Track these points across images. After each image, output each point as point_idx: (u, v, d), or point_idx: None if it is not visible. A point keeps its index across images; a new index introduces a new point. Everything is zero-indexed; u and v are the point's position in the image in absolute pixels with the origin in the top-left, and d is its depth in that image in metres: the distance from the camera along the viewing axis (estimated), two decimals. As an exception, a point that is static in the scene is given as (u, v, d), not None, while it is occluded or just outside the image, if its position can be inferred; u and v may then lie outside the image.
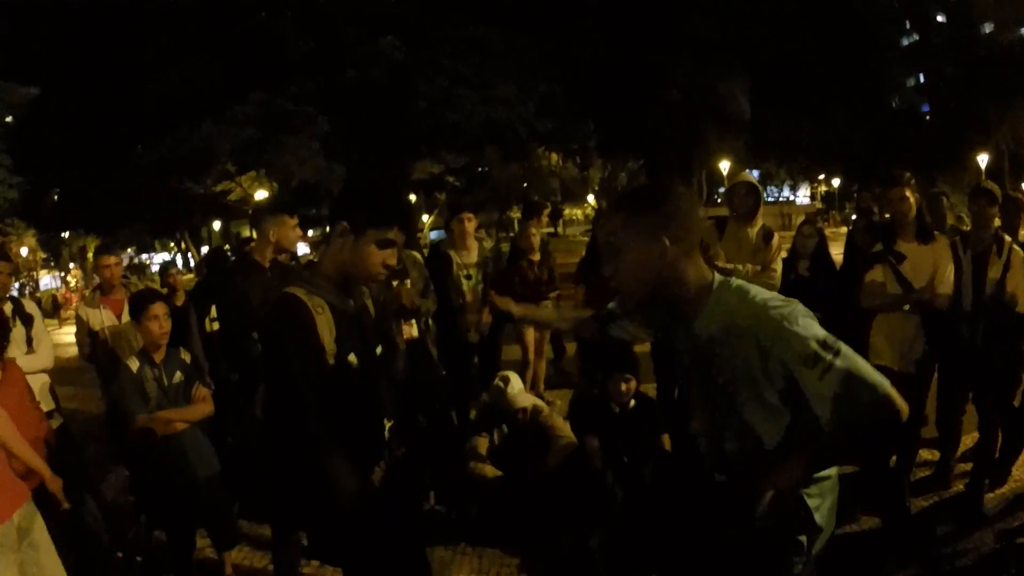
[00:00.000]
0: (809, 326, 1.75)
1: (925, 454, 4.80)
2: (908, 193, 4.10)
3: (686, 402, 2.13)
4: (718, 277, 1.90)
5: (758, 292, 1.85)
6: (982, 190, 4.20)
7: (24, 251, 47.22)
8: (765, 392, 1.82)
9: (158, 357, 3.72)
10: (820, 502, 1.95)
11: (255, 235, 4.24)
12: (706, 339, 1.88)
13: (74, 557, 3.86)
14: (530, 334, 6.28)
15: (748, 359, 1.80)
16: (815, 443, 1.81)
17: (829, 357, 1.71)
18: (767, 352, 1.76)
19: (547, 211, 7.86)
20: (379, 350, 2.36)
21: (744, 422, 1.90)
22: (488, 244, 5.87)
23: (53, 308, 26.16)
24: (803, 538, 1.94)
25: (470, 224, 5.61)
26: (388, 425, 2.32)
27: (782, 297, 1.85)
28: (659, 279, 1.86)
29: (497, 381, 4.55)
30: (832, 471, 1.97)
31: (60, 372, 5.21)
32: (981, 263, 4.06)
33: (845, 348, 1.74)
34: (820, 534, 1.97)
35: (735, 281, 1.90)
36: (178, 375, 3.74)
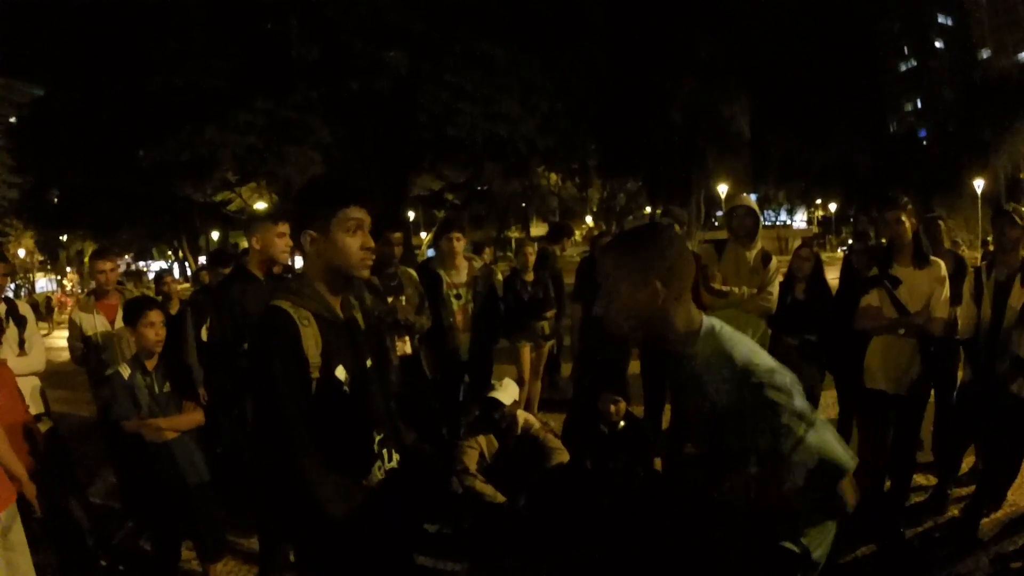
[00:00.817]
0: (785, 397, 1.75)
1: (920, 479, 4.76)
2: (904, 216, 4.08)
3: (680, 425, 2.13)
4: (706, 322, 1.89)
5: (742, 352, 1.82)
6: (1002, 211, 4.06)
7: (21, 252, 47.25)
8: (744, 433, 1.82)
9: (150, 364, 3.70)
10: (821, 540, 1.94)
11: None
12: (694, 375, 1.88)
13: (59, 559, 3.85)
14: (526, 354, 6.25)
15: (732, 401, 1.80)
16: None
17: (802, 431, 1.73)
18: (746, 411, 1.77)
19: (569, 238, 7.80)
20: (369, 363, 2.32)
21: (729, 449, 1.90)
22: (478, 264, 5.84)
23: (47, 311, 26.12)
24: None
25: (459, 243, 5.58)
26: (378, 438, 2.29)
27: (765, 360, 1.83)
28: (648, 321, 1.87)
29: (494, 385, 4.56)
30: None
31: (52, 375, 5.19)
32: (1003, 291, 3.95)
33: (820, 424, 1.76)
34: (816, 569, 1.96)
35: (721, 330, 1.88)
36: (168, 384, 3.72)
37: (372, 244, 2.17)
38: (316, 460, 2.03)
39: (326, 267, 2.14)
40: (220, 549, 3.98)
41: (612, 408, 4.46)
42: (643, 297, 1.83)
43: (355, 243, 2.12)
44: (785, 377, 1.79)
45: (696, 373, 1.86)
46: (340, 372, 2.12)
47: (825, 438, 1.75)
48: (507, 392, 4.47)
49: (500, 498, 4.24)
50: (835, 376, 5.19)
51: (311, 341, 2.05)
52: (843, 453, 1.76)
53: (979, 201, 33.56)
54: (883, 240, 4.80)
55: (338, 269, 2.14)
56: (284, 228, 3.71)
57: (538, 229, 44.06)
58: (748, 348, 1.85)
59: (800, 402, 1.76)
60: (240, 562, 4.25)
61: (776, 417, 1.73)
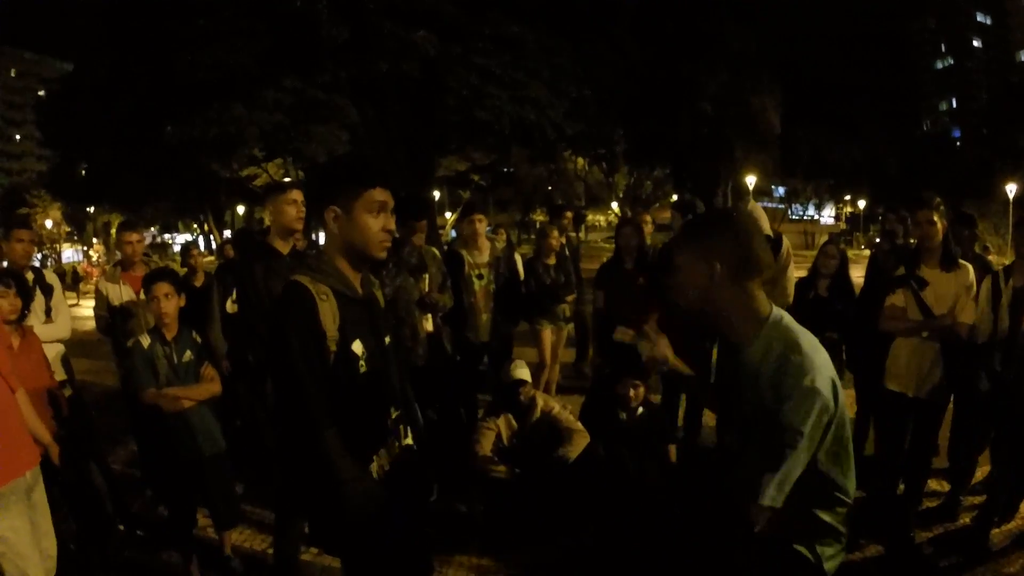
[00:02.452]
0: (810, 411, 1.76)
1: (933, 484, 4.72)
2: (936, 217, 4.01)
3: (724, 416, 2.14)
4: (776, 312, 1.93)
5: (804, 343, 1.84)
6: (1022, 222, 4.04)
7: (49, 223, 47.99)
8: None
9: (169, 335, 3.75)
10: (834, 552, 1.95)
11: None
12: (748, 370, 1.90)
13: (78, 524, 3.93)
14: (547, 337, 6.28)
15: (772, 401, 1.81)
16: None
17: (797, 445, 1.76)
18: (777, 402, 1.79)
19: (569, 215, 7.84)
20: (388, 340, 2.35)
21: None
22: (500, 244, 5.89)
23: (74, 281, 26.51)
24: None
25: (480, 225, 5.66)
26: (395, 414, 2.31)
27: (823, 359, 1.84)
28: (707, 301, 1.92)
29: (508, 365, 4.58)
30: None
31: (77, 344, 5.28)
32: (1021, 298, 3.88)
33: (800, 450, 1.76)
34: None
35: (787, 321, 1.91)
36: (188, 354, 3.77)
37: (393, 226, 2.20)
38: (335, 433, 2.07)
39: (346, 244, 2.18)
40: (235, 518, 4.05)
41: (631, 392, 4.46)
42: (701, 275, 1.89)
43: (377, 224, 2.16)
44: (830, 395, 1.79)
45: (753, 362, 1.89)
46: (357, 346, 2.16)
47: (791, 468, 1.76)
48: (521, 372, 4.49)
49: (509, 473, 4.25)
50: (855, 375, 5.15)
51: (329, 315, 2.09)
52: (784, 487, 1.77)
53: (1010, 207, 32.97)
54: (911, 240, 4.73)
55: (357, 247, 2.18)
56: (295, 195, 3.73)
57: (562, 215, 43.91)
58: (814, 348, 1.86)
59: (811, 421, 1.76)
60: (255, 531, 4.33)
61: (794, 419, 1.75)
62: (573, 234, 8.12)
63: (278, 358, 2.13)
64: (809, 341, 1.86)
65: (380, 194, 2.16)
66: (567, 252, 6.82)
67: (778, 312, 1.93)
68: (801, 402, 1.75)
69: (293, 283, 2.13)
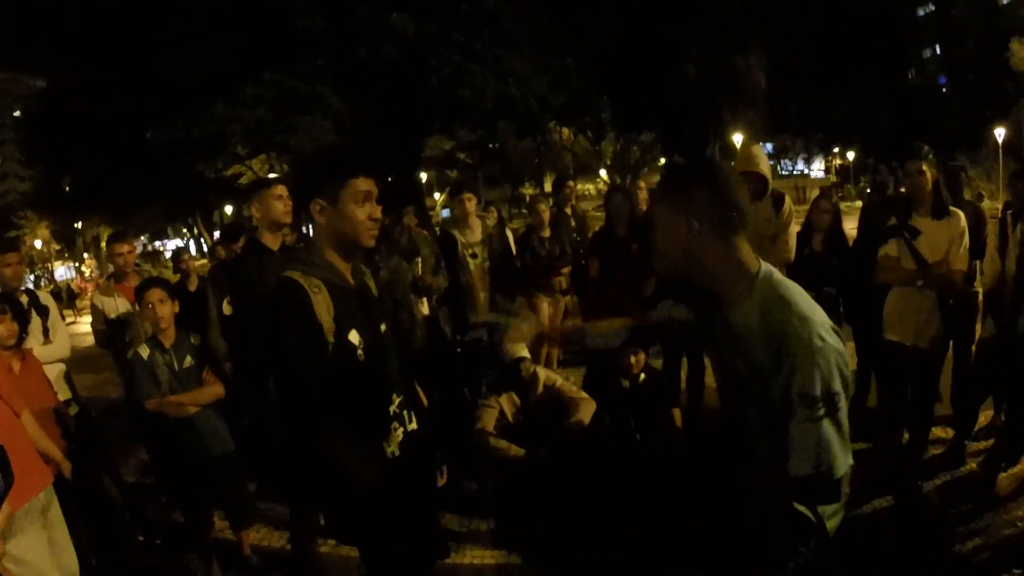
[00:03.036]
0: (830, 368, 1.72)
1: (938, 432, 4.74)
2: (925, 167, 4.00)
3: (722, 384, 2.13)
4: (764, 268, 1.86)
5: (800, 300, 1.80)
6: (1019, 173, 4.09)
7: (38, 243, 47.76)
8: (770, 393, 1.82)
9: (167, 342, 3.76)
10: (835, 510, 1.96)
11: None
12: (741, 331, 1.86)
13: (96, 536, 3.96)
14: (544, 309, 6.27)
15: (766, 359, 1.80)
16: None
17: (821, 412, 1.72)
18: (784, 364, 1.76)
19: (572, 185, 7.76)
20: (383, 328, 2.36)
21: (755, 414, 1.92)
22: (492, 221, 5.89)
23: (69, 298, 26.43)
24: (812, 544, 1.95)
25: (470, 203, 5.66)
26: (397, 400, 2.33)
27: (820, 312, 1.80)
28: (687, 257, 1.85)
29: (504, 344, 4.47)
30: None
31: (79, 360, 5.29)
32: None
33: (843, 412, 1.74)
34: (827, 538, 1.98)
35: (778, 277, 1.86)
36: (188, 359, 3.79)
37: (379, 214, 2.21)
38: (337, 424, 2.10)
39: (335, 235, 2.20)
40: (251, 517, 4.09)
41: (632, 359, 4.47)
42: (679, 231, 1.82)
43: (363, 213, 2.17)
44: (840, 346, 1.78)
45: (746, 322, 1.84)
46: (354, 336, 2.17)
47: (839, 431, 1.74)
48: (518, 349, 4.47)
49: (516, 451, 4.25)
50: (853, 328, 5.17)
51: (323, 307, 2.10)
52: (841, 456, 1.75)
53: (1000, 152, 32.87)
54: (902, 190, 4.72)
55: (346, 238, 2.20)
56: (281, 190, 3.70)
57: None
58: (809, 304, 1.81)
59: (838, 380, 1.74)
60: (271, 528, 4.36)
61: (811, 383, 1.72)
62: (576, 204, 8.08)
63: (277, 354, 2.14)
64: (803, 295, 1.82)
65: (364, 183, 2.16)
66: (573, 223, 6.81)
67: (767, 267, 1.87)
68: (817, 364, 1.71)
69: (284, 279, 2.14)
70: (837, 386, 1.73)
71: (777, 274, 1.88)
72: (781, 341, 1.75)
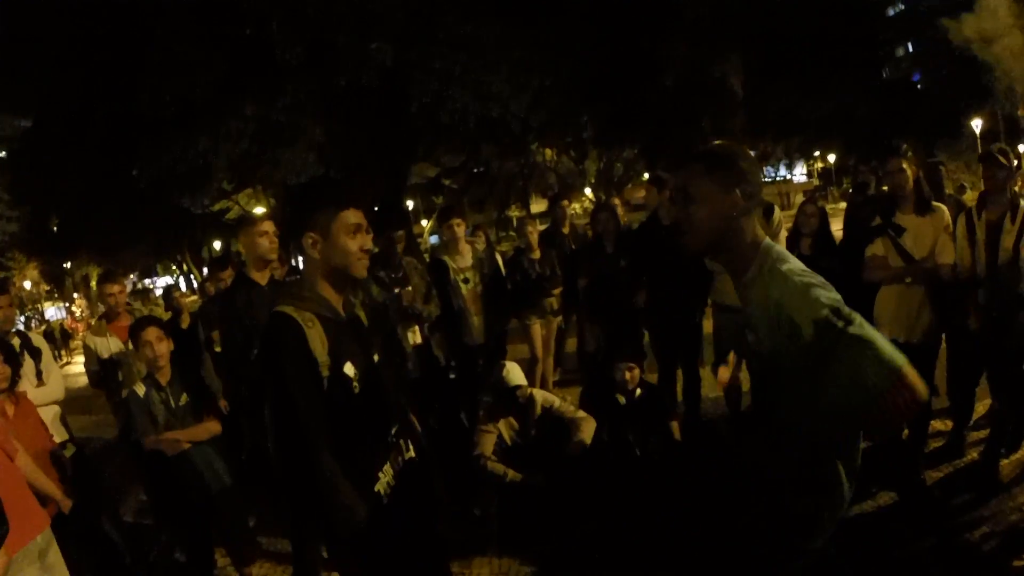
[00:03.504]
0: (829, 292, 1.83)
1: (937, 424, 4.78)
2: (905, 165, 4.06)
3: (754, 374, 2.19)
4: (767, 239, 2.01)
5: (791, 260, 1.94)
6: (988, 154, 4.06)
7: (27, 284, 47.53)
8: (790, 359, 1.87)
9: (163, 380, 3.76)
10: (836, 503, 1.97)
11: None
12: (754, 305, 1.97)
13: (97, 578, 3.92)
14: (537, 331, 6.28)
15: (777, 326, 1.87)
16: (822, 418, 1.85)
17: (841, 324, 1.76)
18: (788, 317, 1.84)
19: (566, 203, 7.77)
20: (376, 357, 2.37)
21: (779, 387, 1.95)
22: (481, 246, 5.90)
23: (63, 338, 26.22)
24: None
25: (459, 229, 5.68)
26: (394, 430, 2.34)
27: (811, 273, 1.92)
28: (724, 230, 1.98)
29: (497, 369, 4.49)
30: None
31: (73, 401, 5.25)
32: (994, 229, 3.94)
33: (860, 320, 1.78)
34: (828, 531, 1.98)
35: (777, 246, 2.00)
36: (184, 396, 3.77)
37: (370, 244, 2.24)
38: (332, 465, 2.09)
39: (327, 268, 2.21)
40: (252, 553, 4.06)
41: (627, 375, 4.48)
42: (726, 205, 1.95)
43: (355, 244, 2.19)
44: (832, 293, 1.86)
45: (752, 285, 1.97)
46: (348, 369, 2.18)
47: (871, 335, 1.77)
48: (515, 377, 4.46)
49: (514, 475, 4.24)
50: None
51: (317, 341, 2.11)
52: (890, 349, 1.76)
53: (978, 142, 33.19)
54: (884, 188, 4.77)
55: (339, 269, 2.21)
56: (267, 227, 3.76)
57: (538, 206, 43.84)
58: (794, 261, 1.95)
59: (838, 300, 1.82)
60: (274, 564, 4.32)
61: (816, 309, 1.79)
62: (575, 222, 8.09)
63: (274, 391, 2.15)
64: (796, 263, 1.95)
65: (354, 215, 2.19)
66: (571, 242, 6.84)
67: (768, 241, 2.01)
68: (812, 299, 1.81)
69: (278, 314, 2.15)
70: (836, 302, 1.81)
71: (777, 248, 2.00)
72: (774, 297, 1.88)
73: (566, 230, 6.97)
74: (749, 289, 1.99)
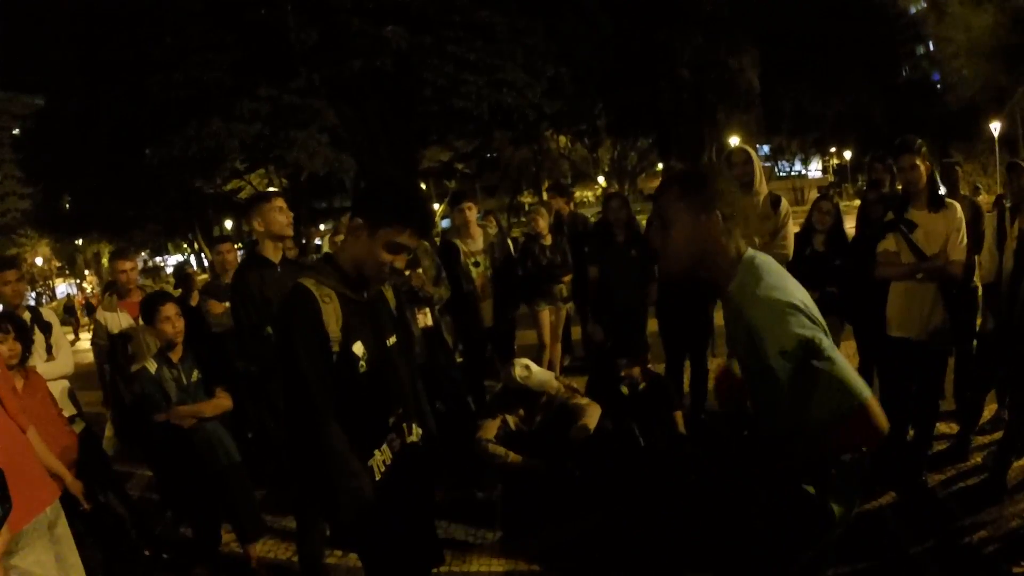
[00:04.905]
0: (800, 324, 1.81)
1: (943, 427, 4.73)
2: (919, 161, 3.98)
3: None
4: (750, 251, 2.00)
5: (769, 278, 1.91)
6: (1014, 164, 4.06)
7: (39, 261, 47.87)
8: (758, 372, 1.88)
9: (175, 357, 3.78)
10: (843, 495, 1.96)
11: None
12: (731, 316, 2.00)
13: (103, 554, 3.95)
14: (546, 318, 6.27)
15: (745, 338, 1.89)
16: (782, 436, 1.89)
17: (805, 357, 1.79)
18: (760, 339, 1.84)
19: (572, 192, 7.80)
20: (392, 340, 2.41)
21: (758, 396, 1.96)
22: (492, 230, 5.90)
23: (89, 312, 26.26)
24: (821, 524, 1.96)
25: (471, 213, 5.69)
26: (397, 412, 2.38)
27: (790, 291, 1.89)
28: (703, 251, 1.98)
29: (516, 370, 4.41)
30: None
31: (83, 376, 5.29)
32: None
33: (831, 353, 1.79)
34: (834, 521, 1.98)
35: (760, 258, 1.98)
36: (196, 373, 3.80)
37: (401, 266, 2.27)
38: (337, 428, 2.15)
39: (353, 259, 2.25)
40: (258, 530, 4.08)
41: (625, 373, 4.48)
42: (704, 228, 1.95)
43: (387, 258, 2.22)
44: (808, 307, 1.86)
45: (734, 298, 1.96)
46: (358, 348, 2.23)
47: (838, 367, 1.78)
48: (535, 374, 4.42)
49: (515, 458, 4.25)
50: (854, 326, 5.17)
51: (331, 317, 2.17)
52: (857, 382, 1.78)
53: (996, 145, 32.86)
54: (898, 187, 4.72)
55: (361, 266, 2.25)
56: (280, 203, 3.75)
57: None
58: (780, 277, 1.94)
59: (810, 332, 1.81)
60: (278, 540, 4.36)
61: (785, 338, 1.80)
62: (581, 212, 8.11)
63: (284, 358, 2.19)
64: (776, 273, 1.94)
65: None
66: (579, 228, 6.84)
67: (753, 253, 2.00)
68: (781, 318, 1.81)
69: (298, 286, 2.21)
70: (810, 334, 1.80)
71: (761, 257, 1.99)
72: (747, 317, 1.88)
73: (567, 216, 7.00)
74: (729, 304, 2.00)
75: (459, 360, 5.80)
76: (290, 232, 3.82)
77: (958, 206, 4.04)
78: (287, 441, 2.50)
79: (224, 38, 18.85)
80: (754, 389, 2.07)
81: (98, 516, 3.87)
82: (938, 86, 41.95)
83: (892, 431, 4.12)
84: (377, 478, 2.26)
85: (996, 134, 33.34)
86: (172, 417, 3.65)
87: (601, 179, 45.60)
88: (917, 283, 4.06)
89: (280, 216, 3.71)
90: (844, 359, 1.81)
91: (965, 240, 3.97)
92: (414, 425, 2.47)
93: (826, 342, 1.80)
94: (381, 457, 2.30)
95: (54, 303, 40.41)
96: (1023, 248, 3.90)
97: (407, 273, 4.81)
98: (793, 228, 5.01)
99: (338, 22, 19.07)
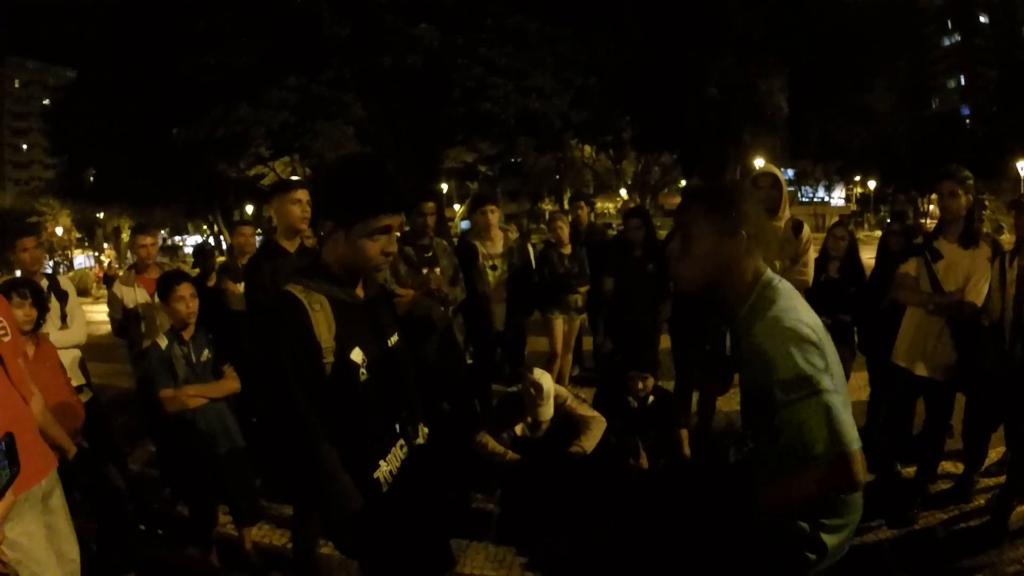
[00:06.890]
0: (804, 357, 1.77)
1: (948, 466, 4.68)
2: (960, 190, 3.86)
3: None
4: (768, 273, 1.95)
5: (783, 302, 1.87)
6: (1017, 202, 3.98)
7: (59, 230, 48.34)
8: (756, 396, 1.86)
9: (187, 335, 3.79)
10: (838, 525, 1.95)
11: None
12: (742, 336, 1.93)
13: (99, 525, 3.98)
14: (559, 327, 6.23)
15: (748, 359, 1.86)
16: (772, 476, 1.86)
17: (804, 393, 1.75)
18: (763, 364, 1.81)
19: (583, 206, 7.76)
20: (394, 339, 2.28)
21: (754, 427, 1.93)
22: (513, 235, 5.89)
23: (108, 284, 26.41)
24: (812, 556, 1.93)
25: (493, 216, 5.66)
26: (403, 415, 2.26)
27: (802, 319, 1.84)
28: (722, 271, 1.94)
29: (534, 377, 4.35)
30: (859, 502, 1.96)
31: (94, 348, 5.32)
32: None
33: (828, 397, 1.75)
34: (828, 557, 1.96)
35: (777, 282, 1.93)
36: (206, 352, 3.81)
37: (393, 248, 2.10)
38: (329, 448, 2.01)
39: (340, 259, 2.07)
40: (255, 514, 4.09)
41: (640, 384, 4.47)
42: (729, 247, 1.90)
43: (375, 247, 2.04)
44: (819, 338, 1.82)
45: (744, 320, 1.92)
46: (356, 354, 2.07)
47: (832, 409, 1.74)
48: (547, 398, 4.38)
49: (513, 456, 4.23)
50: (867, 357, 5.13)
51: (323, 326, 1.99)
52: (849, 431, 1.74)
53: (1021, 184, 32.63)
54: (921, 221, 4.67)
55: (351, 264, 2.07)
56: (300, 195, 3.74)
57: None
58: (795, 303, 1.88)
59: (817, 366, 1.77)
60: (273, 526, 4.37)
61: (789, 369, 1.76)
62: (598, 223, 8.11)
63: (270, 374, 2.03)
64: (789, 296, 1.89)
65: (384, 219, 2.03)
66: (596, 238, 6.82)
67: (771, 275, 1.95)
68: (787, 346, 1.77)
69: (285, 294, 2.04)
70: (808, 369, 1.75)
71: (778, 281, 1.94)
72: (753, 336, 1.84)
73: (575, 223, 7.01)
74: (741, 325, 1.94)
75: (468, 362, 5.79)
76: (303, 226, 3.82)
77: (988, 248, 3.94)
78: (281, 448, 2.41)
79: (258, 26, 19.02)
80: (748, 413, 2.04)
81: (96, 488, 3.90)
82: (967, 121, 41.66)
83: (889, 462, 4.10)
84: (384, 490, 2.12)
85: (1022, 173, 33.10)
86: (179, 395, 3.66)
87: (623, 191, 45.52)
88: (926, 315, 4.00)
89: (295, 208, 3.71)
90: (842, 402, 1.77)
91: (987, 286, 3.89)
92: (420, 425, 2.34)
93: (826, 382, 1.75)
94: (387, 468, 2.15)
95: (71, 273, 40.72)
96: (1022, 288, 3.81)
97: (424, 272, 4.81)
98: (813, 254, 4.98)
99: (372, 18, 19.21)
